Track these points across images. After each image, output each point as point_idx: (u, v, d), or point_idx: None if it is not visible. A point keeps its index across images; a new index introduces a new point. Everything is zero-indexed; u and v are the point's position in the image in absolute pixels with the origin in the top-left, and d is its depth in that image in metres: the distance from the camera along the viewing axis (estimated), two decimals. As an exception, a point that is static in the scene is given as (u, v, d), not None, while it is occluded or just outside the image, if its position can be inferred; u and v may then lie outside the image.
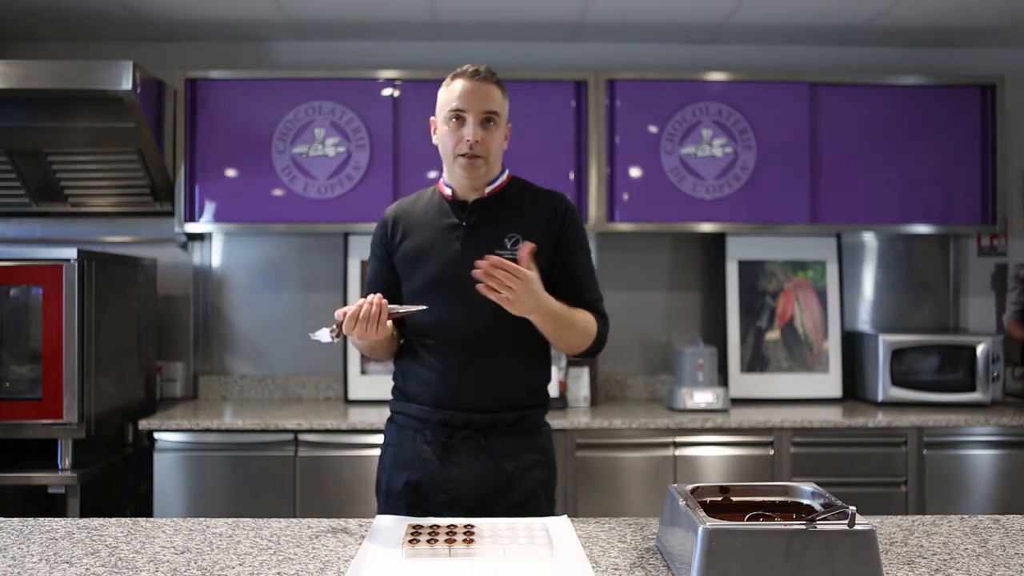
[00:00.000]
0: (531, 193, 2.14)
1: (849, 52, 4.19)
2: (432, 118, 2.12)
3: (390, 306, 1.91)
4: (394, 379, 2.17)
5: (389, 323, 1.95)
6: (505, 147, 2.12)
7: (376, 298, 1.90)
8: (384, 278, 2.16)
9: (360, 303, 1.89)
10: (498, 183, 2.11)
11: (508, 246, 2.04)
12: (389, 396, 2.19)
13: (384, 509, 2.09)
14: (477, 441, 2.03)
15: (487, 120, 2.03)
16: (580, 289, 2.11)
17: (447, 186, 2.12)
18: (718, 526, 1.40)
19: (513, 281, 1.83)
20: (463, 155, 2.02)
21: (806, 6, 3.66)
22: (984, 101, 3.90)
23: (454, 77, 2.05)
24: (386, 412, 2.18)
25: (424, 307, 1.97)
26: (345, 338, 1.96)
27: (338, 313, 1.91)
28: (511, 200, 2.11)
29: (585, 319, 2.06)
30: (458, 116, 2.02)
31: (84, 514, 3.10)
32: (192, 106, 3.77)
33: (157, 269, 3.85)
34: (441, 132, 2.08)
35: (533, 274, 1.88)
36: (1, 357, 3.21)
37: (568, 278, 2.10)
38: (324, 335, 1.91)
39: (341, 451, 3.41)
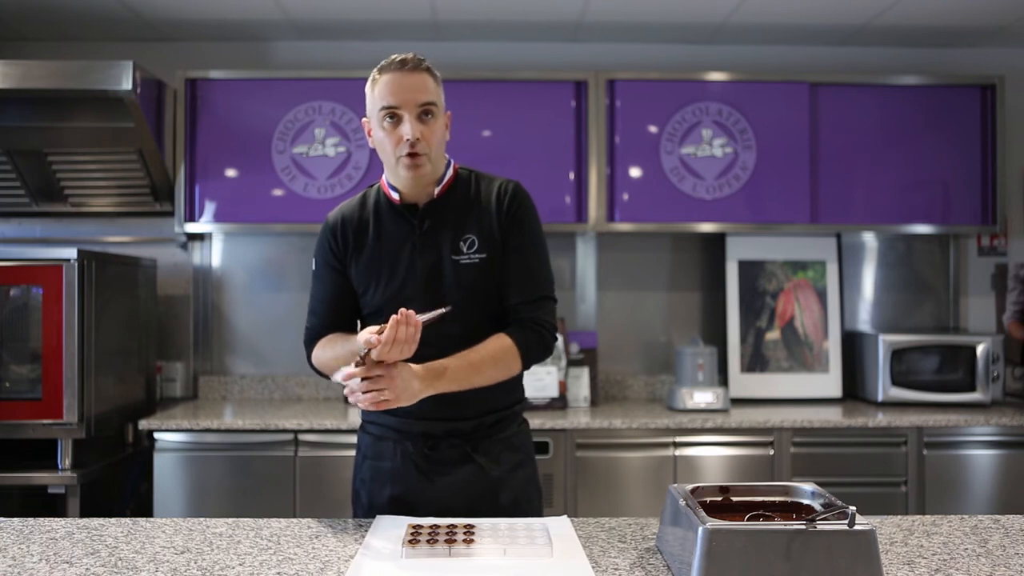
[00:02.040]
0: (480, 184, 1.99)
1: (849, 52, 4.19)
2: (364, 119, 1.96)
3: (418, 316, 1.73)
4: None
5: None
6: (447, 138, 1.97)
7: (407, 314, 1.70)
8: (340, 291, 2.00)
9: (390, 326, 1.69)
10: (446, 180, 1.96)
11: (464, 250, 1.92)
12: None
13: None
14: (462, 449, 1.96)
15: (424, 113, 1.87)
16: (521, 286, 1.95)
17: (392, 189, 1.96)
18: (718, 526, 1.40)
19: (379, 384, 1.71)
20: (405, 155, 1.87)
21: (806, 6, 3.66)
22: (984, 101, 3.90)
23: (381, 71, 1.88)
24: (386, 412, 2.16)
25: (449, 307, 1.79)
26: None
27: (363, 340, 1.72)
28: (461, 197, 1.97)
29: (492, 352, 1.88)
30: (392, 114, 1.86)
31: (84, 514, 3.10)
32: (192, 106, 3.77)
33: (157, 269, 3.85)
34: (377, 135, 1.91)
35: (395, 370, 1.72)
36: (1, 357, 3.21)
37: (510, 273, 1.95)
38: (351, 370, 1.73)
39: (341, 451, 3.41)
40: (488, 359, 1.88)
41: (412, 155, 1.87)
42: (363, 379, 1.72)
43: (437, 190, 1.96)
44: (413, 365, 1.78)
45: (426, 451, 1.96)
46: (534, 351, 1.94)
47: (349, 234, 1.99)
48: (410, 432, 1.97)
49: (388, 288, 1.95)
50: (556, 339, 2.00)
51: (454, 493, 1.95)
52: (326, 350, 1.98)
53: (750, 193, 3.84)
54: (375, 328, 1.73)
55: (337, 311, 2.02)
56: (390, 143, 1.89)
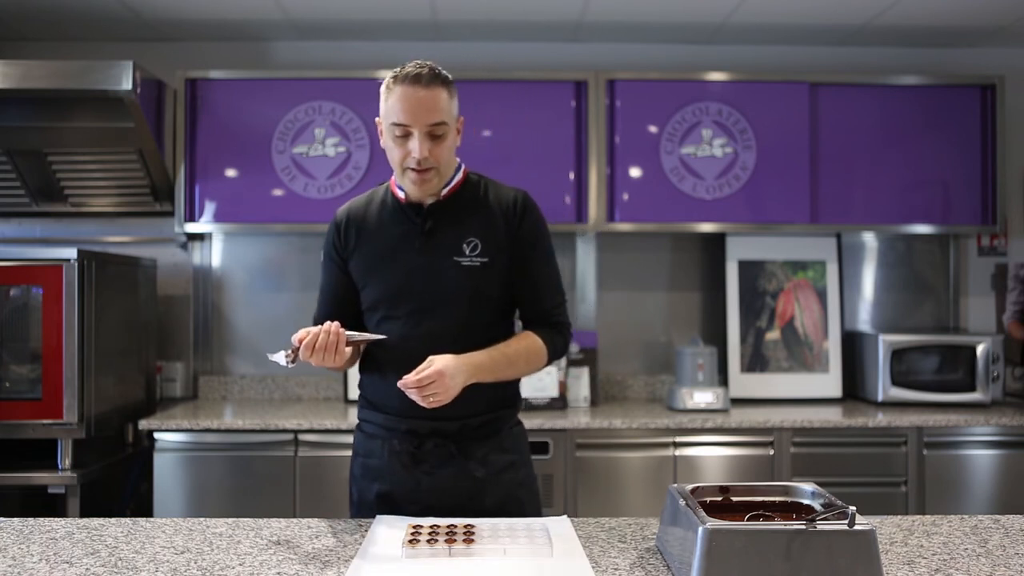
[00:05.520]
0: (488, 191, 2.02)
1: (849, 52, 4.19)
2: (377, 119, 1.97)
3: (347, 333, 1.84)
4: (360, 387, 2.10)
5: (348, 349, 1.86)
6: (458, 143, 1.99)
7: (333, 327, 1.82)
8: (340, 285, 2.06)
9: (316, 331, 1.82)
10: (453, 183, 1.99)
11: (467, 252, 1.95)
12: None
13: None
14: (447, 448, 1.97)
15: (434, 131, 1.88)
16: (536, 296, 2.03)
17: (400, 188, 2.00)
18: (718, 526, 1.40)
19: (430, 387, 1.78)
20: (411, 169, 1.90)
21: (806, 6, 3.66)
22: (984, 101, 3.90)
23: (394, 81, 1.89)
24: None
25: (383, 336, 1.90)
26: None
27: (295, 338, 1.84)
28: (468, 200, 2.00)
29: (526, 348, 1.97)
30: (402, 130, 1.88)
31: (84, 514, 3.10)
32: (192, 106, 3.76)
33: (157, 269, 3.84)
34: (386, 142, 1.94)
35: (439, 363, 1.79)
36: (1, 357, 3.20)
37: (524, 283, 2.01)
38: (280, 358, 1.84)
39: (341, 451, 3.40)
40: (522, 353, 1.97)
41: (419, 171, 1.91)
42: (417, 380, 1.79)
43: (444, 191, 1.99)
44: (454, 357, 1.84)
45: (412, 449, 1.99)
46: (558, 348, 2.04)
47: (352, 230, 2.03)
48: (397, 430, 2.00)
49: (387, 284, 1.99)
50: (572, 336, 2.12)
51: (438, 492, 1.97)
52: None
53: (750, 193, 3.84)
54: (302, 332, 1.84)
55: (336, 303, 2.08)
56: (398, 155, 1.92)
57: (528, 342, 1.99)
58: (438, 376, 1.79)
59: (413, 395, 1.80)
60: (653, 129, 3.83)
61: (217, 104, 3.77)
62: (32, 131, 3.58)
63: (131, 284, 3.55)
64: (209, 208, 3.77)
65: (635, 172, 3.82)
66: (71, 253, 3.10)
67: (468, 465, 1.98)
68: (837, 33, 4.00)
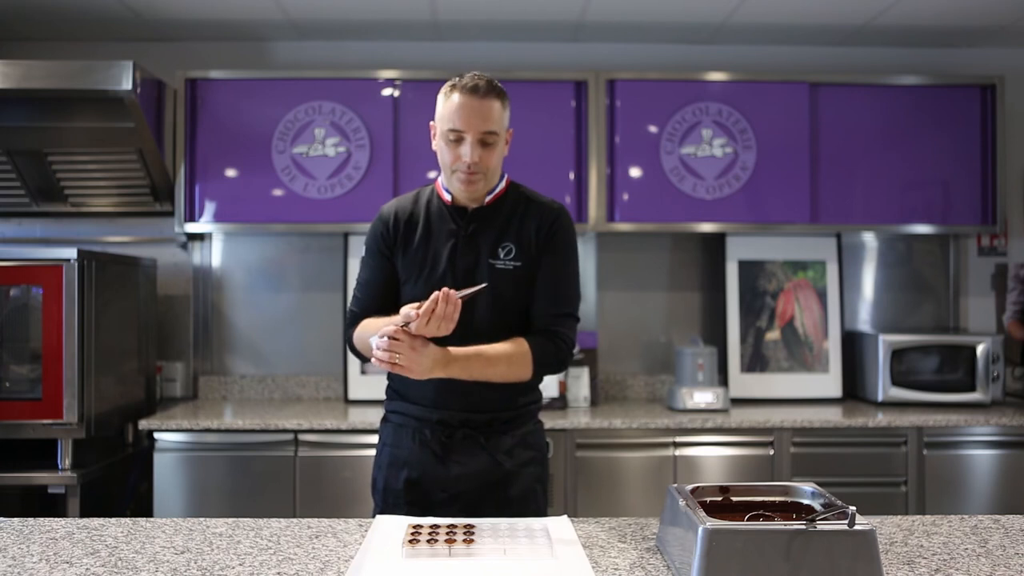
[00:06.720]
0: (529, 202, 2.12)
1: (849, 52, 4.19)
2: (432, 122, 2.09)
3: (456, 293, 1.85)
4: (389, 379, 2.16)
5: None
6: (506, 152, 2.09)
7: (446, 292, 1.81)
8: (386, 278, 2.12)
9: (431, 302, 1.81)
10: (497, 191, 2.10)
11: (502, 255, 2.06)
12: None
13: (383, 508, 2.10)
14: (476, 439, 2.06)
15: (486, 139, 1.99)
16: (548, 299, 2.07)
17: (446, 190, 2.10)
18: (718, 526, 1.40)
19: (399, 349, 1.82)
20: (461, 172, 2.00)
21: (806, 6, 3.66)
22: (984, 101, 3.90)
23: (453, 88, 2.00)
24: (386, 412, 2.20)
25: (484, 284, 1.91)
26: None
27: (408, 312, 1.82)
28: (509, 208, 2.10)
29: (510, 351, 1.99)
30: (456, 136, 1.99)
31: (84, 514, 3.10)
32: (192, 106, 3.76)
33: (157, 269, 3.85)
34: (439, 145, 2.05)
35: (418, 341, 1.84)
36: (1, 357, 3.20)
37: (540, 286, 2.07)
38: (389, 330, 1.84)
39: (341, 451, 3.41)
40: (503, 356, 1.99)
41: (467, 173, 2.00)
42: (389, 339, 1.83)
43: (488, 198, 2.09)
44: (433, 345, 1.88)
45: (443, 439, 2.06)
46: (548, 360, 2.05)
47: (401, 226, 2.11)
48: (429, 420, 2.07)
49: (428, 281, 2.06)
50: (572, 355, 2.12)
51: (467, 480, 2.04)
52: (366, 330, 2.06)
53: (750, 193, 3.83)
54: (415, 304, 1.84)
55: (381, 296, 2.13)
56: (449, 158, 2.02)
57: (514, 346, 2.01)
58: (410, 346, 1.82)
59: (382, 343, 1.82)
60: (653, 129, 3.83)
61: (217, 104, 3.77)
62: (32, 131, 3.59)
63: (131, 284, 3.55)
64: (209, 208, 3.77)
65: (635, 172, 3.82)
66: (71, 253, 3.10)
67: (496, 456, 2.05)
68: (837, 33, 4.00)
